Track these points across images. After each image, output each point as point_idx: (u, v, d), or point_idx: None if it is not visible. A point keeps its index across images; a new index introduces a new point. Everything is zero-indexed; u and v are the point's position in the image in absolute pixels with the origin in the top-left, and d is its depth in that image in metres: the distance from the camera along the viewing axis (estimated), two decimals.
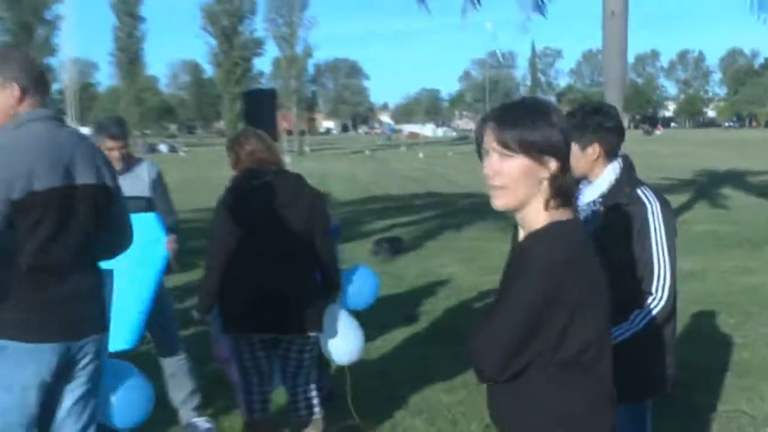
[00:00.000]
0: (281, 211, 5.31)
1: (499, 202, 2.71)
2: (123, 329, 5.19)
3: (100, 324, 4.08)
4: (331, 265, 5.55)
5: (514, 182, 2.66)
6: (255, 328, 5.37)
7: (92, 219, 3.93)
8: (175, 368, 6.35)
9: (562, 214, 2.69)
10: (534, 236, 2.66)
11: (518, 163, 2.64)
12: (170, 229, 6.09)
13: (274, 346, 5.50)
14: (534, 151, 2.63)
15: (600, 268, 2.73)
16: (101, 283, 4.13)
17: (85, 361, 3.99)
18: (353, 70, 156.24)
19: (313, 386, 5.55)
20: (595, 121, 4.03)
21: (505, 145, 2.63)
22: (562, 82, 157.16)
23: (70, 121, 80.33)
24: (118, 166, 5.96)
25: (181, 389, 6.38)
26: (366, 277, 6.45)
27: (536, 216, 2.68)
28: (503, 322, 2.60)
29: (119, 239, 4.24)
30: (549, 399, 2.68)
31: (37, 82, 3.86)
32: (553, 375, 2.64)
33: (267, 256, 5.28)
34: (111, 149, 5.96)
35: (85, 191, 3.90)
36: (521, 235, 2.77)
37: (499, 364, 2.62)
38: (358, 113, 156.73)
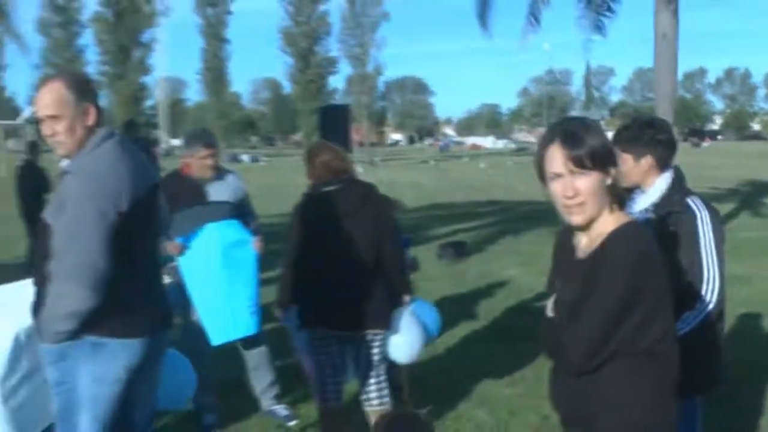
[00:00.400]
0: (350, 216, 5.32)
1: (579, 219, 2.72)
2: (245, 318, 5.78)
3: (169, 321, 4.22)
4: (398, 269, 5.50)
5: (592, 197, 2.68)
6: (328, 325, 5.38)
7: (159, 220, 4.11)
8: (257, 361, 6.41)
9: (624, 216, 2.73)
10: (613, 237, 2.67)
11: (592, 178, 2.66)
12: (254, 231, 6.19)
13: (347, 341, 5.49)
14: (603, 164, 2.66)
15: (666, 266, 2.75)
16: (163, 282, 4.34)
17: (158, 354, 4.11)
18: (419, 87, 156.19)
19: (383, 378, 5.52)
20: (649, 134, 4.02)
21: (578, 164, 2.63)
22: (615, 97, 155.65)
23: (162, 134, 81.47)
24: (209, 173, 6.12)
25: (262, 380, 6.44)
26: (427, 311, 6.11)
27: (604, 221, 2.71)
28: (592, 316, 2.63)
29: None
30: (626, 384, 2.70)
31: (98, 101, 3.95)
32: (633, 362, 2.68)
33: (338, 257, 5.28)
34: (204, 157, 6.07)
35: (156, 193, 4.05)
36: (585, 240, 2.78)
37: (586, 356, 2.66)
38: (424, 126, 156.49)
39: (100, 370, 3.77)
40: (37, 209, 13.65)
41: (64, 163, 3.81)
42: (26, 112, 54.96)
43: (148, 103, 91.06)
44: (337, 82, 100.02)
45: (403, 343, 5.53)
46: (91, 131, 3.83)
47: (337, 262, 5.28)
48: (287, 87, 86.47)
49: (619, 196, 2.75)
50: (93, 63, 77.61)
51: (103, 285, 3.61)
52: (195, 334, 6.17)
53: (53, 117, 3.75)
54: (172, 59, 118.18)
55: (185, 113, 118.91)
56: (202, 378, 6.36)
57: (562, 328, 2.73)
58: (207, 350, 6.28)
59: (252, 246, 6.06)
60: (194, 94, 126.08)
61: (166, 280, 7.51)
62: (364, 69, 77.55)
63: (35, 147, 15.08)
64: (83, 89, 3.85)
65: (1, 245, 12.64)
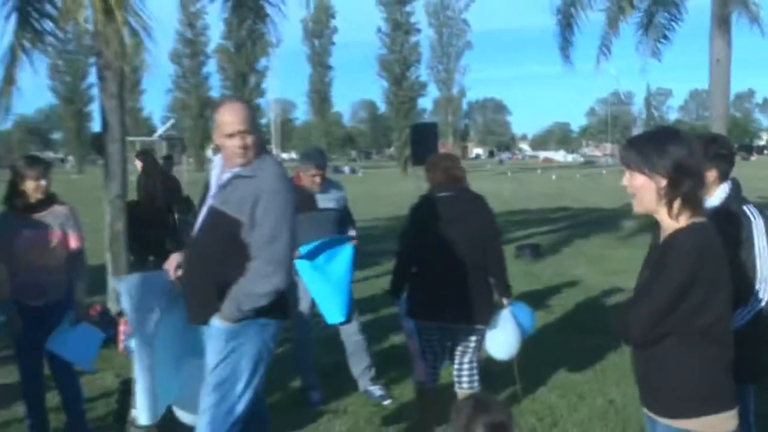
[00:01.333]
0: (460, 221, 5.27)
1: (634, 207, 2.97)
2: (339, 307, 5.80)
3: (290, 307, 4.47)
4: (500, 272, 5.41)
5: (639, 193, 2.90)
6: (432, 317, 5.33)
7: None
8: (353, 347, 6.48)
9: (694, 219, 2.83)
10: (675, 233, 2.82)
11: (638, 178, 2.88)
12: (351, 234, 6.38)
13: (448, 331, 5.42)
14: (644, 169, 2.85)
15: (726, 263, 2.87)
16: None
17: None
18: (499, 107, 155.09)
19: (475, 365, 5.47)
20: (713, 149, 3.99)
21: (627, 166, 2.88)
22: (672, 116, 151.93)
23: (274, 149, 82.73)
24: (318, 188, 6.26)
25: (359, 364, 6.50)
26: (524, 312, 5.83)
27: (669, 220, 2.86)
28: (652, 299, 2.77)
29: None
30: (684, 361, 2.82)
31: None
32: (689, 342, 2.80)
33: (446, 257, 5.22)
34: (314, 175, 6.22)
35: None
36: (662, 235, 2.92)
37: (643, 329, 2.80)
38: (502, 142, 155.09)
39: (262, 347, 3.94)
40: (168, 214, 14.08)
41: (238, 170, 3.95)
42: (160, 130, 56.33)
43: (263, 121, 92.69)
44: (426, 103, 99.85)
45: (501, 340, 5.46)
46: (262, 145, 4.04)
47: (444, 261, 5.23)
48: (382, 107, 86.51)
49: (686, 202, 2.82)
50: (216, 87, 79.33)
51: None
52: (301, 323, 6.30)
53: (246, 132, 3.92)
54: (283, 83, 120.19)
55: (294, 131, 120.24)
56: (308, 361, 6.49)
57: (629, 304, 2.88)
58: (310, 337, 6.46)
59: (349, 243, 6.11)
60: (302, 113, 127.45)
61: None
62: (449, 92, 77.45)
63: (169, 160, 15.60)
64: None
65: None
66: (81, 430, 5.67)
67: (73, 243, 5.54)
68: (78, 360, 5.51)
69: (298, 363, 6.57)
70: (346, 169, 74.30)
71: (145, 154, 11.16)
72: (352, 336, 6.44)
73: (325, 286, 5.91)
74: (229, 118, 3.91)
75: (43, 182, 5.37)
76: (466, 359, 5.46)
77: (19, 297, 5.35)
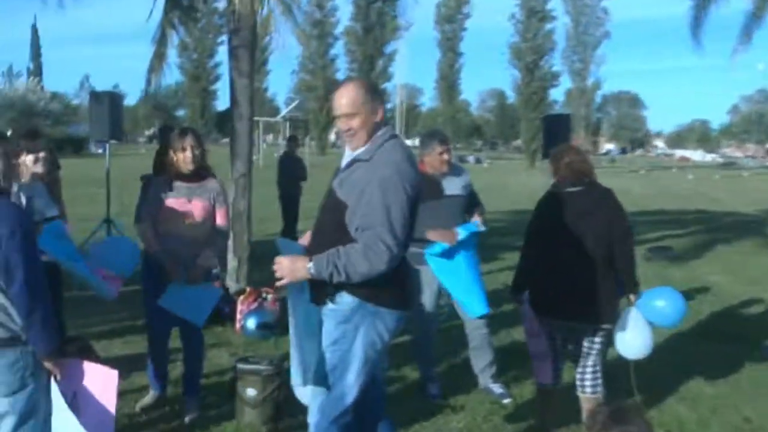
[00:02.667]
0: (586, 216, 5.19)
1: None
2: (480, 299, 5.62)
3: (413, 298, 4.59)
4: (628, 270, 5.29)
5: None
6: (556, 315, 5.30)
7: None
8: (478, 341, 6.44)
9: None
10: None
11: None
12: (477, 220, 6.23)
13: (572, 330, 5.36)
14: None
15: None
16: None
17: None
18: (634, 101, 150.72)
19: (599, 368, 5.38)
20: None
21: None
22: None
23: (399, 135, 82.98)
24: (445, 167, 6.21)
25: (481, 359, 6.47)
26: (673, 299, 5.57)
27: None
28: None
29: None
30: None
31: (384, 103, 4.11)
32: None
33: (572, 253, 5.15)
34: (441, 153, 6.15)
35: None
36: None
37: None
38: (636, 138, 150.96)
39: (374, 335, 3.96)
40: (294, 193, 14.35)
41: (357, 153, 4.01)
42: (284, 111, 57.38)
43: (387, 106, 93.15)
44: (557, 94, 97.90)
45: (630, 339, 5.34)
46: (378, 128, 4.03)
47: (569, 257, 5.17)
48: (511, 97, 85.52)
49: None
50: (342, 70, 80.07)
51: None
52: (423, 314, 6.32)
53: (349, 115, 3.97)
54: (411, 68, 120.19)
55: (419, 117, 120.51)
56: (428, 353, 6.52)
57: None
58: (432, 329, 6.46)
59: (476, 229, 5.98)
60: (428, 100, 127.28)
61: None
62: (583, 83, 75.91)
63: (293, 141, 15.89)
64: (376, 92, 4.09)
65: (259, 222, 13.38)
66: (195, 400, 5.88)
67: (220, 219, 5.82)
68: (190, 316, 5.68)
69: (418, 355, 6.60)
70: (471, 158, 73.83)
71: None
72: (478, 329, 6.41)
73: (462, 278, 5.82)
74: (336, 100, 3.99)
75: (188, 154, 5.61)
76: (589, 362, 5.37)
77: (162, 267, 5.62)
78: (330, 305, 3.97)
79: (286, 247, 4.14)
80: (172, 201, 5.62)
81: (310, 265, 3.79)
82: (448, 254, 5.62)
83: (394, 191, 3.80)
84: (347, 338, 3.95)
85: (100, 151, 59.10)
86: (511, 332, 8.14)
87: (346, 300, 3.93)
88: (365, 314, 3.93)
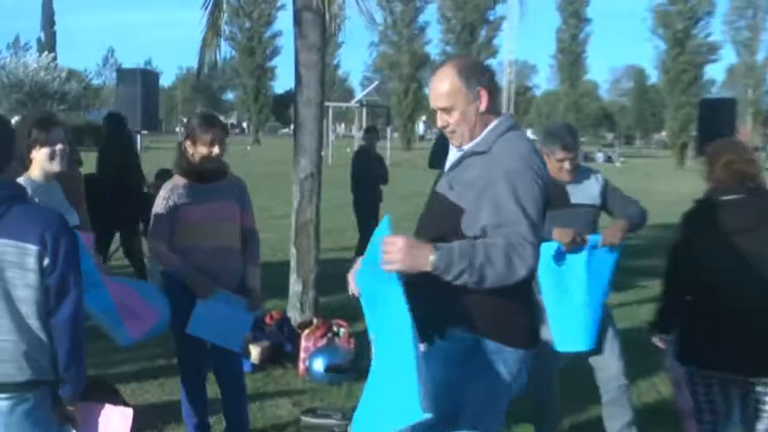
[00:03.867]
0: (751, 233, 5.01)
1: None
2: (579, 329, 5.86)
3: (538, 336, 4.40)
4: None
5: None
6: (712, 365, 5.14)
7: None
8: (614, 395, 6.30)
9: None
10: None
11: None
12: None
13: (734, 385, 5.18)
14: None
15: None
16: None
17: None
18: None
19: None
20: None
21: None
22: None
23: None
24: (568, 177, 6.13)
25: (618, 417, 6.33)
26: None
27: None
28: None
29: None
30: None
31: (493, 84, 4.13)
32: None
33: (731, 284, 4.98)
34: (562, 160, 6.08)
35: None
36: None
37: None
38: None
39: (494, 381, 3.95)
40: (372, 199, 14.36)
41: (468, 146, 4.04)
42: (360, 95, 57.82)
43: None
44: (715, 72, 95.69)
45: None
46: (486, 116, 4.05)
47: (730, 287, 4.98)
48: (653, 76, 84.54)
49: None
50: (434, 42, 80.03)
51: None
52: (542, 358, 6.22)
53: (446, 109, 4.04)
54: (521, 40, 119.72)
55: (531, 103, 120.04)
56: (549, 408, 6.45)
57: None
58: (554, 377, 6.43)
59: (610, 260, 6.05)
60: (543, 81, 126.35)
61: None
62: (752, 58, 74.44)
63: (372, 133, 15.77)
64: (475, 73, 4.05)
65: (329, 235, 13.47)
66: None
67: (248, 221, 6.06)
68: (224, 341, 5.82)
69: (535, 409, 6.55)
70: (599, 156, 73.10)
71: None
72: (613, 380, 6.27)
73: (568, 299, 5.95)
74: (430, 90, 4.09)
75: (215, 150, 5.81)
76: (762, 426, 5.15)
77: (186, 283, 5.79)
78: (440, 343, 3.96)
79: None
80: (194, 207, 5.81)
81: (436, 255, 3.60)
82: (559, 260, 5.82)
83: (527, 186, 3.81)
84: (461, 384, 3.93)
85: None
86: (655, 384, 8.05)
87: (461, 336, 3.92)
88: (485, 355, 3.92)
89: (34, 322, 3.69)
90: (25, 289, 3.63)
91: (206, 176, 5.86)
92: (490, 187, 3.81)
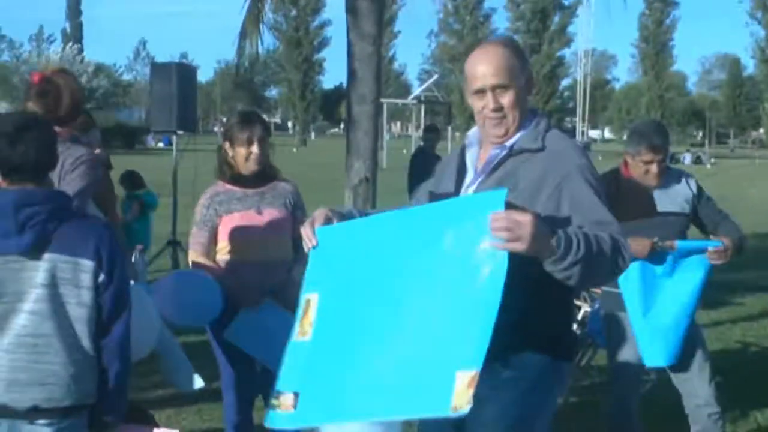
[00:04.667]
0: None
1: None
2: (665, 343, 5.88)
3: None
4: None
5: None
6: None
7: None
8: (705, 425, 6.22)
9: None
10: None
11: None
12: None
13: None
14: None
15: None
16: None
17: None
18: None
19: None
20: None
21: None
22: None
23: (579, 123, 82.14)
24: (655, 182, 6.05)
25: None
26: None
27: None
28: None
29: None
30: None
31: None
32: None
33: None
34: (649, 162, 5.99)
35: None
36: None
37: None
38: None
39: (553, 397, 3.99)
40: None
41: (510, 142, 3.95)
42: (417, 90, 57.74)
43: (565, 82, 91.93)
44: None
45: None
46: (530, 110, 4.04)
47: None
48: (750, 66, 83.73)
49: None
50: (501, 30, 79.71)
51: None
52: (623, 382, 6.29)
53: (501, 87, 3.88)
54: (599, 27, 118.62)
55: (610, 97, 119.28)
56: (627, 427, 6.39)
57: None
58: (635, 405, 6.33)
59: (702, 265, 5.98)
60: (624, 73, 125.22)
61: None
62: None
63: (432, 133, 15.80)
64: (525, 56, 4.03)
65: None
66: None
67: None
68: (262, 355, 5.73)
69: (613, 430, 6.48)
70: (687, 157, 72.69)
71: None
72: (704, 408, 6.19)
73: (657, 313, 5.93)
74: (476, 66, 3.92)
75: (255, 150, 5.72)
76: None
77: (230, 300, 5.69)
78: (505, 373, 3.87)
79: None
80: (237, 216, 5.77)
81: (555, 240, 3.49)
82: (645, 270, 5.79)
83: (601, 184, 3.84)
84: (533, 412, 3.91)
85: (161, 145, 60.83)
86: (752, 414, 7.89)
87: (530, 361, 3.88)
88: (555, 375, 3.93)
89: (86, 343, 3.74)
90: (78, 307, 3.68)
91: (250, 181, 5.81)
92: (566, 185, 3.75)
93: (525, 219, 3.37)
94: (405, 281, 3.68)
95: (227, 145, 5.81)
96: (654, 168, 6.01)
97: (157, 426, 5.18)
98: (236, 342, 5.70)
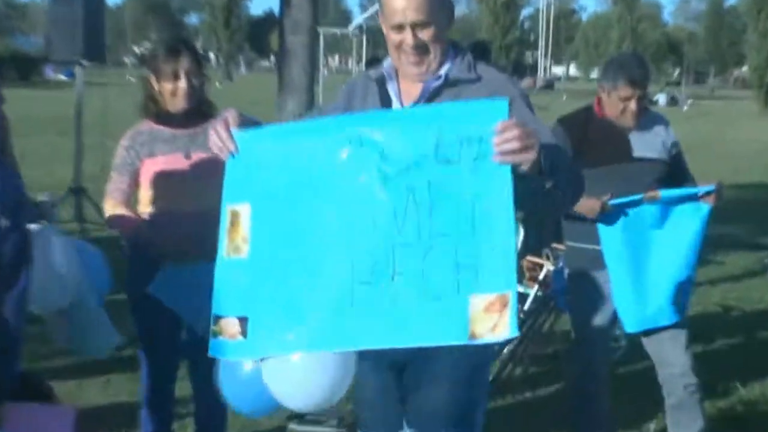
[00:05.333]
0: None
1: None
2: (656, 303, 5.90)
3: None
4: None
5: None
6: None
7: None
8: (680, 397, 6.25)
9: None
10: None
11: None
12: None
13: None
14: None
15: None
16: None
17: None
18: None
19: None
20: None
21: None
22: None
23: (541, 59, 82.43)
24: (632, 122, 6.02)
25: (684, 426, 6.31)
26: None
27: None
28: None
29: None
30: None
31: None
32: None
33: None
34: (627, 99, 5.96)
35: None
36: None
37: None
38: None
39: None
40: None
41: (444, 70, 4.01)
42: (358, 19, 57.68)
43: (525, 11, 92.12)
44: None
45: None
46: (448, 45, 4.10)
47: None
48: None
49: None
50: None
51: None
52: (591, 349, 6.30)
53: (421, 24, 3.92)
54: None
55: (577, 30, 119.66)
56: (598, 412, 6.38)
57: None
58: (605, 375, 6.38)
59: (700, 211, 5.99)
60: (591, 2, 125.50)
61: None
62: None
63: (375, 66, 15.82)
64: None
65: None
66: None
67: None
68: (190, 315, 5.55)
69: (579, 413, 6.48)
70: (661, 97, 72.98)
71: None
72: (679, 378, 6.19)
73: (643, 268, 5.95)
74: (394, 1, 3.94)
75: (182, 84, 5.50)
76: None
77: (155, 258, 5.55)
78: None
79: None
80: (161, 160, 5.58)
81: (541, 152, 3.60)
82: (631, 223, 5.83)
83: (536, 115, 3.99)
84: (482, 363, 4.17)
85: (62, 77, 60.07)
86: (734, 385, 7.91)
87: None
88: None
89: None
90: None
91: (179, 120, 5.57)
92: (512, 112, 3.68)
93: (531, 128, 3.53)
94: (375, 194, 3.66)
95: (153, 78, 5.57)
96: (632, 106, 5.98)
97: (56, 401, 5.14)
98: (161, 296, 5.50)
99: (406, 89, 4.10)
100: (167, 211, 5.54)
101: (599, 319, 6.20)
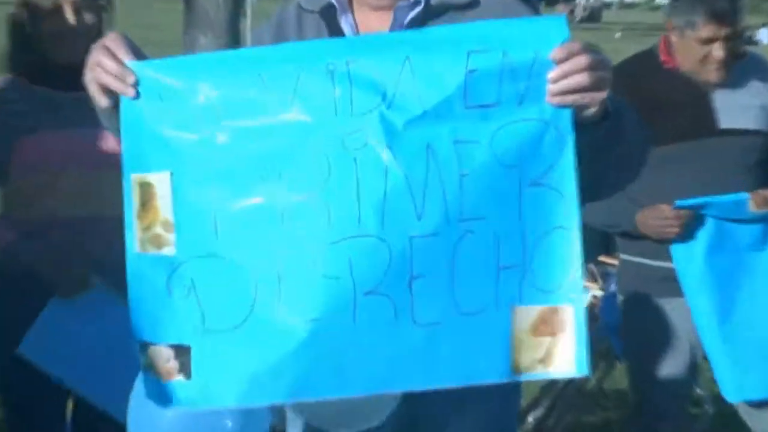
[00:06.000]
0: None
1: None
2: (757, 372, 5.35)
3: None
4: None
5: None
6: None
7: None
8: None
9: None
10: None
11: None
12: None
13: None
14: None
15: None
16: None
17: None
18: None
19: None
20: None
21: None
22: None
23: None
24: (717, 76, 5.35)
25: None
26: None
27: None
28: None
29: None
30: None
31: None
32: None
33: None
34: (709, 41, 5.25)
35: None
36: None
37: None
38: None
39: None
40: None
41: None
42: None
43: None
44: None
45: None
46: None
47: None
48: None
49: None
50: None
51: None
52: (661, 407, 5.85)
53: None
54: None
55: None
56: None
57: None
58: (676, 423, 6.00)
59: None
60: None
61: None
62: None
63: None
64: None
65: None
66: None
67: None
68: (85, 386, 5.03)
69: None
70: (764, 33, 73.04)
71: None
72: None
73: (734, 304, 5.26)
74: None
75: (70, 19, 4.81)
76: None
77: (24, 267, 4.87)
78: None
79: None
80: (42, 138, 4.87)
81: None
82: (719, 246, 5.16)
83: None
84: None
85: None
86: None
87: None
88: None
89: None
90: None
91: (65, 77, 4.70)
92: None
93: (601, 54, 3.24)
94: (377, 158, 3.08)
95: (25, 14, 4.88)
96: (718, 51, 5.27)
97: None
98: (35, 359, 4.87)
99: (366, 22, 3.64)
100: (52, 215, 4.91)
101: (671, 372, 5.78)
